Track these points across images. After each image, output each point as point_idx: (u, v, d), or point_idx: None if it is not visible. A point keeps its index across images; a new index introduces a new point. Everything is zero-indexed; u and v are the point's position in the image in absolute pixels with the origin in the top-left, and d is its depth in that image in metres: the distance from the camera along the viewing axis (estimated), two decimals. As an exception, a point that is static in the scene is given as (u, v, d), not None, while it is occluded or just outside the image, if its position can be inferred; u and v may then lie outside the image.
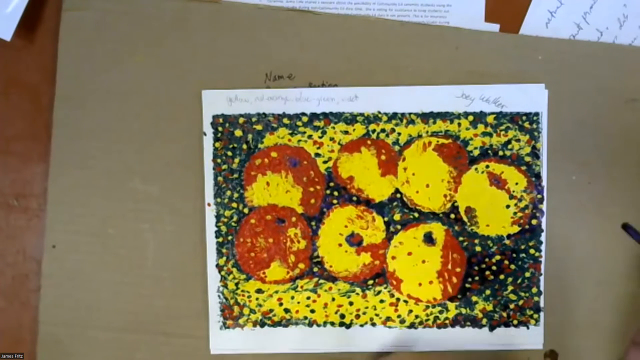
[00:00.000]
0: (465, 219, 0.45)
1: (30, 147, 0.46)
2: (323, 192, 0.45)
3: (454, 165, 0.45)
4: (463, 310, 0.45)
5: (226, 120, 0.45)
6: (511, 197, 0.45)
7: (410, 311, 0.45)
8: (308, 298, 0.45)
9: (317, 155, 0.45)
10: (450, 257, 0.45)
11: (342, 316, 0.45)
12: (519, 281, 0.45)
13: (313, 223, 0.45)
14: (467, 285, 0.45)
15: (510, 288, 0.45)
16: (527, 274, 0.45)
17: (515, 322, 0.45)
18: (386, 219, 0.45)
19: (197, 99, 0.45)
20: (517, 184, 0.45)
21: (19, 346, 0.46)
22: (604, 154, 0.46)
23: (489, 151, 0.45)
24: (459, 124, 0.45)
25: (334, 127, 0.45)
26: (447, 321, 0.45)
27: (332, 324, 0.45)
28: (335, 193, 0.45)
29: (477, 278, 0.45)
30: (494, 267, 0.45)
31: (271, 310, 0.45)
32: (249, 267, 0.45)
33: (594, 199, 0.46)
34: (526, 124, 0.45)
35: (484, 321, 0.45)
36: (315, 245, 0.45)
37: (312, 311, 0.45)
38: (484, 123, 0.45)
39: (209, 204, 0.45)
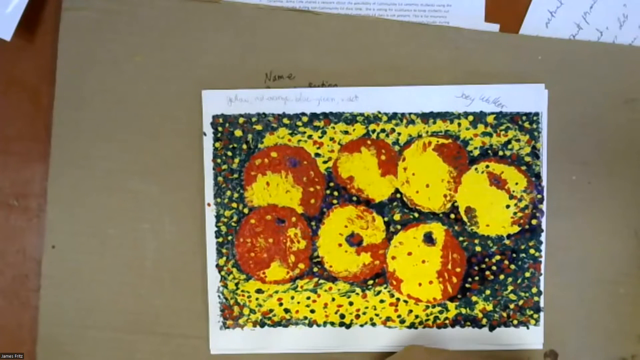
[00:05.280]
0: (465, 219, 0.45)
1: (30, 147, 0.46)
2: (323, 192, 0.45)
3: (454, 165, 0.45)
4: (463, 310, 0.45)
5: (226, 120, 0.45)
6: (511, 197, 0.45)
7: (410, 311, 0.45)
8: (308, 298, 0.45)
9: (317, 155, 0.45)
10: (450, 257, 0.45)
11: (342, 316, 0.45)
12: (519, 281, 0.45)
13: (313, 223, 0.45)
14: (467, 285, 0.45)
15: (510, 288, 0.45)
16: (527, 274, 0.45)
17: (515, 322, 0.45)
18: (386, 219, 0.45)
19: (197, 99, 0.45)
20: (517, 184, 0.45)
21: (19, 346, 0.46)
22: (604, 154, 0.46)
23: (489, 151, 0.45)
24: (459, 124, 0.45)
25: (334, 127, 0.45)
26: (447, 321, 0.45)
27: (332, 324, 0.45)
28: (335, 193, 0.45)
29: (477, 278, 0.45)
30: (494, 267, 0.45)
31: (271, 310, 0.45)
32: (249, 267, 0.45)
33: (594, 199, 0.46)
34: (526, 124, 0.45)
35: (484, 321, 0.45)
36: (315, 245, 0.45)
37: (312, 311, 0.45)
38: (484, 123, 0.45)
39: (209, 204, 0.45)
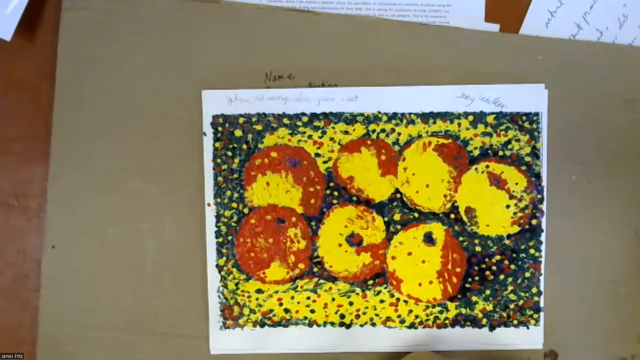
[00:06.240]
0: (465, 219, 0.45)
1: (30, 147, 0.46)
2: (323, 192, 0.45)
3: (454, 165, 0.45)
4: (463, 310, 0.45)
5: (226, 120, 0.45)
6: (511, 197, 0.45)
7: (410, 311, 0.45)
8: (308, 298, 0.45)
9: (317, 155, 0.45)
10: (450, 257, 0.45)
11: (342, 316, 0.45)
12: (519, 281, 0.45)
13: (313, 223, 0.45)
14: (467, 285, 0.45)
15: (510, 288, 0.45)
16: (527, 274, 0.45)
17: (515, 322, 0.45)
18: (386, 219, 0.45)
19: (197, 99, 0.45)
20: (517, 184, 0.45)
21: (19, 346, 0.46)
22: (604, 154, 0.46)
23: (489, 151, 0.45)
24: (459, 124, 0.45)
25: (334, 127, 0.45)
26: (447, 321, 0.45)
27: (332, 324, 0.45)
28: (335, 193, 0.45)
29: (477, 278, 0.45)
30: (494, 267, 0.45)
31: (271, 310, 0.45)
32: (249, 267, 0.45)
33: (594, 199, 0.46)
34: (526, 124, 0.45)
35: (484, 321, 0.45)
36: (315, 245, 0.45)
37: (312, 311, 0.45)
38: (484, 123, 0.45)
39: (209, 204, 0.45)
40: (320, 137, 0.45)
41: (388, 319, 0.45)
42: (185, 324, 0.45)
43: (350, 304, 0.45)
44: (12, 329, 0.46)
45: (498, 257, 0.45)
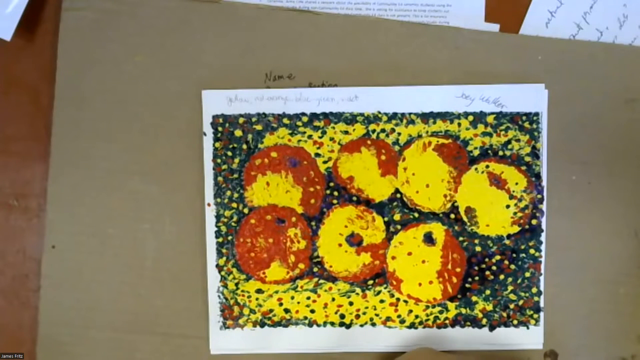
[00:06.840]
0: (465, 219, 0.45)
1: (30, 147, 0.46)
2: (323, 192, 0.45)
3: (454, 165, 0.45)
4: (463, 310, 0.45)
5: (226, 120, 0.45)
6: (511, 197, 0.45)
7: (410, 311, 0.45)
8: (308, 298, 0.45)
9: (317, 155, 0.45)
10: (450, 257, 0.45)
11: (342, 316, 0.45)
12: (519, 281, 0.45)
13: (313, 223, 0.45)
14: (467, 285, 0.45)
15: (510, 288, 0.45)
16: (527, 274, 0.45)
17: (515, 322, 0.45)
18: (386, 219, 0.45)
19: (197, 99, 0.45)
20: (517, 184, 0.45)
21: (19, 346, 0.46)
22: (604, 154, 0.46)
23: (489, 151, 0.45)
24: (459, 124, 0.45)
25: (334, 127, 0.45)
26: (447, 321, 0.45)
27: (332, 324, 0.45)
28: (335, 193, 0.45)
29: (477, 278, 0.45)
30: (494, 267, 0.45)
31: (271, 311, 0.45)
32: (249, 267, 0.45)
33: (594, 199, 0.46)
34: (526, 124, 0.45)
35: (484, 321, 0.45)
36: (315, 245, 0.45)
37: (312, 311, 0.45)
38: (484, 123, 0.45)
39: (209, 204, 0.45)
40: (320, 137, 0.45)
41: (388, 319, 0.45)
42: (185, 324, 0.45)
43: (350, 304, 0.45)
44: (12, 329, 0.46)
45: (498, 257, 0.45)
